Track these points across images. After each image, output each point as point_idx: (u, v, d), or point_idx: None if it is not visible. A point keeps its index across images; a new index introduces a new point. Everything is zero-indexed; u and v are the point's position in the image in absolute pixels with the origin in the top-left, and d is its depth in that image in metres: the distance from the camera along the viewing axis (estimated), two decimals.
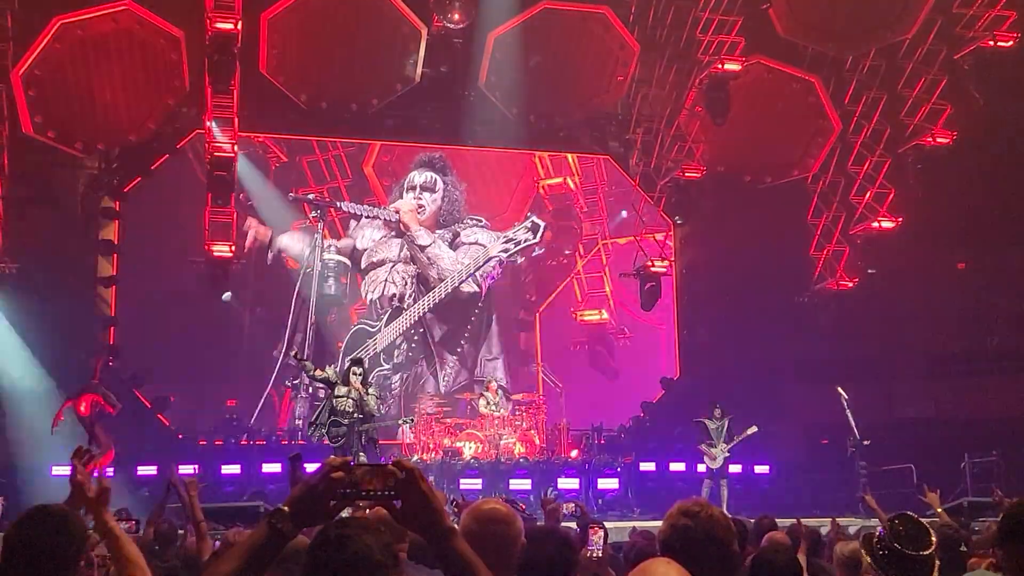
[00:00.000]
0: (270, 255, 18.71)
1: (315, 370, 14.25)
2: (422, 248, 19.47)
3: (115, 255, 17.99)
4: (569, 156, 20.58)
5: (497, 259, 19.47)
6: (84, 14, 15.88)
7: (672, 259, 19.28)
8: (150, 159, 17.90)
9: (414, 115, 19.23)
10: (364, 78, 17.99)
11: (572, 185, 20.69)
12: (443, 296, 19.30)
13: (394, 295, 19.14)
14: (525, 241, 19.31)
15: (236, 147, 16.05)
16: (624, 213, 20.31)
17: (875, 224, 18.35)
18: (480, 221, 19.90)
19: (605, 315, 20.52)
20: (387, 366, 18.80)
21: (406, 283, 19.22)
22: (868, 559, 3.95)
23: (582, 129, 19.93)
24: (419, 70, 17.82)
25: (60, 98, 16.30)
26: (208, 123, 15.84)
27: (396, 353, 18.94)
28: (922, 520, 3.98)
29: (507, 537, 3.00)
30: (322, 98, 18.09)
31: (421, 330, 19.23)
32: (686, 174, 17.98)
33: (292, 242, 18.88)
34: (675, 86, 18.43)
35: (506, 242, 19.33)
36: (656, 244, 18.70)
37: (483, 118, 19.03)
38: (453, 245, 19.69)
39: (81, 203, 18.17)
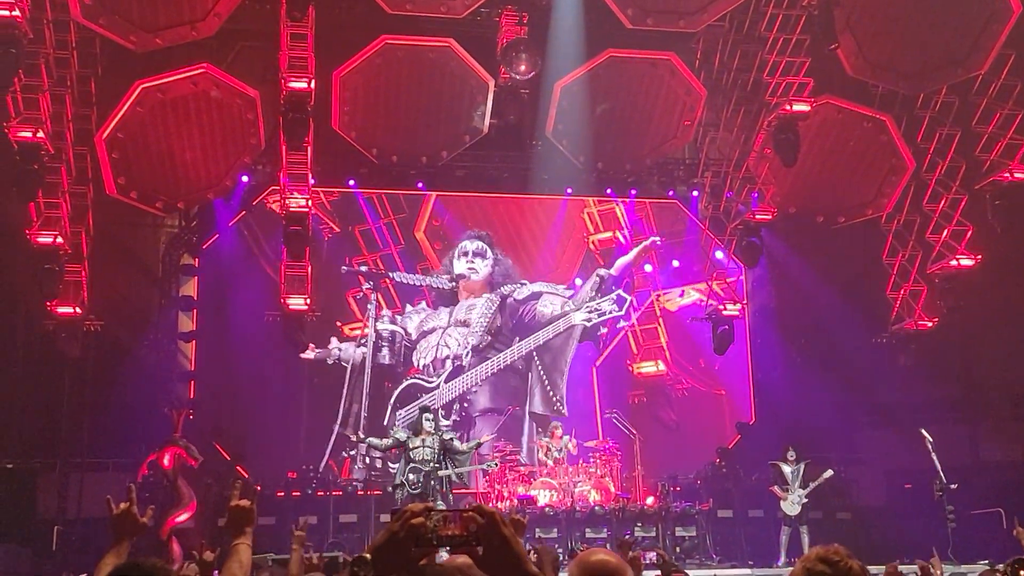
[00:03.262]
0: (330, 361, 18.71)
1: (382, 440, 14.67)
2: (470, 310, 19.51)
3: (195, 310, 18.47)
4: (617, 210, 20.42)
5: (580, 326, 19.48)
6: (164, 77, 16.44)
7: (744, 302, 19.10)
8: (227, 216, 18.37)
9: (483, 166, 19.51)
10: (433, 131, 18.32)
11: (622, 239, 20.54)
12: (511, 360, 19.32)
13: (447, 356, 19.14)
14: (610, 312, 19.35)
15: (310, 202, 16.42)
16: (676, 263, 20.19)
17: (953, 262, 17.96)
18: (523, 283, 19.82)
19: (662, 367, 20.29)
20: (446, 422, 18.80)
21: (459, 343, 19.22)
22: None
23: (650, 175, 19.95)
24: (487, 121, 18.08)
25: (142, 159, 16.86)
26: (283, 179, 16.27)
27: (454, 410, 18.91)
28: None
29: None
30: (393, 152, 18.45)
31: (475, 389, 19.21)
32: (757, 216, 17.83)
33: (348, 348, 18.89)
34: (743, 129, 18.37)
35: (590, 312, 19.35)
36: (728, 287, 18.57)
37: (551, 166, 19.20)
38: (503, 307, 19.65)
39: (162, 261, 18.72)
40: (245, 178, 18.03)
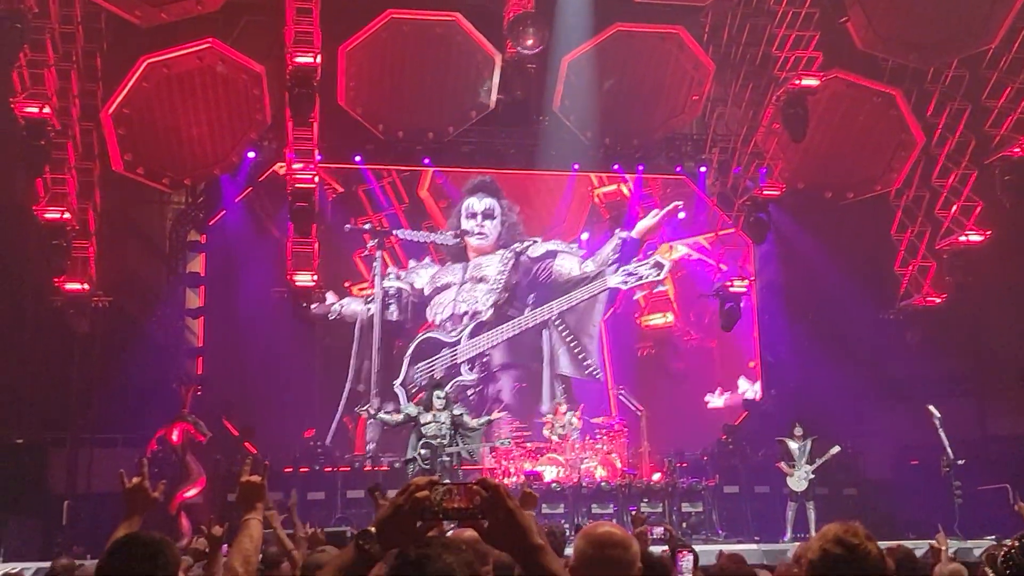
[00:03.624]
0: (331, 316, 18.70)
1: (392, 416, 14.73)
2: (485, 267, 19.43)
3: (202, 287, 18.50)
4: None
5: (615, 289, 19.40)
6: (170, 52, 16.38)
7: (752, 278, 19.04)
8: (234, 192, 18.35)
9: (489, 141, 19.43)
10: (439, 106, 18.25)
11: (627, 192, 20.41)
12: (539, 319, 19.29)
13: (466, 312, 19.11)
14: (647, 277, 19.24)
15: (316, 178, 16.38)
16: (682, 215, 20.03)
17: (963, 238, 17.85)
18: (536, 240, 19.74)
19: (670, 317, 20.24)
20: (471, 376, 18.77)
21: (477, 300, 19.17)
22: None
23: (658, 150, 19.85)
24: (493, 96, 17.99)
25: (148, 135, 16.82)
26: (289, 155, 16.23)
27: (477, 365, 18.92)
28: None
29: (624, 561, 2.89)
30: (399, 127, 18.40)
31: (495, 346, 19.20)
32: (765, 192, 17.73)
33: (350, 303, 18.88)
34: (751, 104, 18.24)
35: (628, 275, 19.25)
36: (735, 264, 18.51)
37: (558, 142, 19.11)
38: (516, 264, 19.59)
39: (169, 237, 18.74)
40: (251, 154, 17.98)
